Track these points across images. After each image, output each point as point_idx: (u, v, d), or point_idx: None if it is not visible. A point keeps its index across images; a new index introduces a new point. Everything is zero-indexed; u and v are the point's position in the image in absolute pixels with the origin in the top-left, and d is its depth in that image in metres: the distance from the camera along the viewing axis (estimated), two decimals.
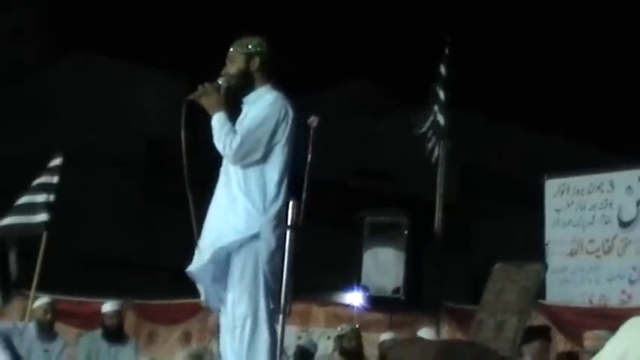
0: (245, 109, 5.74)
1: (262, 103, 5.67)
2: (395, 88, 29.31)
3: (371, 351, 11.31)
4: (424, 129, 12.19)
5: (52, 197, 11.83)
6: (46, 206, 11.77)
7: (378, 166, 27.33)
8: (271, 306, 5.46)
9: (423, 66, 14.24)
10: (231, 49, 5.90)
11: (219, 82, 5.80)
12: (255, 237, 5.43)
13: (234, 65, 5.85)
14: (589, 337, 8.73)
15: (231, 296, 5.42)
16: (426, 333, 10.26)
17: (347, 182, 24.61)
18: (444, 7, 29.28)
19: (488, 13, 30.49)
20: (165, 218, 23.62)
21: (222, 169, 5.69)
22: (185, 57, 27.01)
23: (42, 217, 11.73)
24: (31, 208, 11.83)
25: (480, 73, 26.88)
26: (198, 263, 5.47)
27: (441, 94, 12.31)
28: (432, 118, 12.15)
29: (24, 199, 11.92)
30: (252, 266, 5.41)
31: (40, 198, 11.84)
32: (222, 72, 5.87)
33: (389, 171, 26.98)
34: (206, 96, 5.72)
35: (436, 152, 12.19)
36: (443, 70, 12.36)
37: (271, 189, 5.52)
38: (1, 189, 12.24)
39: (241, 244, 5.42)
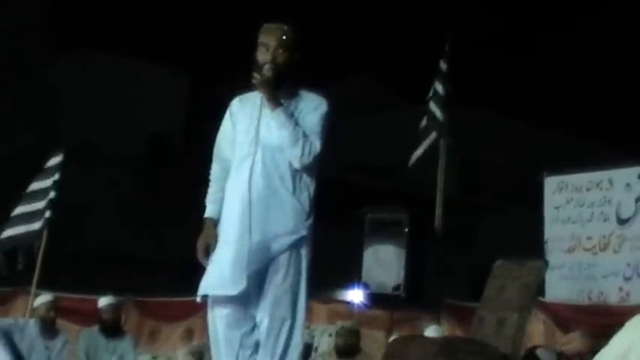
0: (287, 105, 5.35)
1: (318, 109, 5.41)
2: (395, 85, 29.36)
3: (372, 347, 11.34)
4: (422, 151, 12.24)
5: (53, 194, 11.83)
6: (48, 204, 11.76)
7: (379, 163, 27.34)
8: (306, 309, 5.39)
9: (423, 62, 14.27)
10: (284, 37, 5.37)
11: (270, 68, 5.27)
12: (302, 239, 5.31)
13: (283, 56, 5.35)
14: (564, 342, 8.79)
15: (270, 297, 5.26)
16: (432, 331, 10.27)
17: (348, 179, 24.61)
18: (445, 4, 29.29)
19: (489, 9, 30.50)
20: (167, 215, 23.67)
21: (252, 159, 5.32)
22: (186, 54, 27.04)
23: (44, 215, 11.72)
24: (32, 215, 11.79)
25: (481, 69, 26.91)
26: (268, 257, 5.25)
27: (441, 90, 12.35)
28: (430, 139, 12.20)
29: (23, 208, 11.87)
30: (297, 269, 5.29)
31: (41, 203, 11.81)
32: (269, 58, 5.31)
33: (390, 167, 26.99)
34: (271, 83, 5.27)
35: (415, 157, 12.25)
36: (443, 66, 12.39)
37: (312, 191, 5.37)
38: (2, 185, 12.24)
39: (289, 246, 5.29)
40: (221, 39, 28.30)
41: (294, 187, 5.32)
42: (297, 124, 5.28)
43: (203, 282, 5.38)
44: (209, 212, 5.46)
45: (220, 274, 5.29)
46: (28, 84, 24.59)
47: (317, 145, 5.29)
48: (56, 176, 11.91)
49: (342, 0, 31.32)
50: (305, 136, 5.27)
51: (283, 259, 5.27)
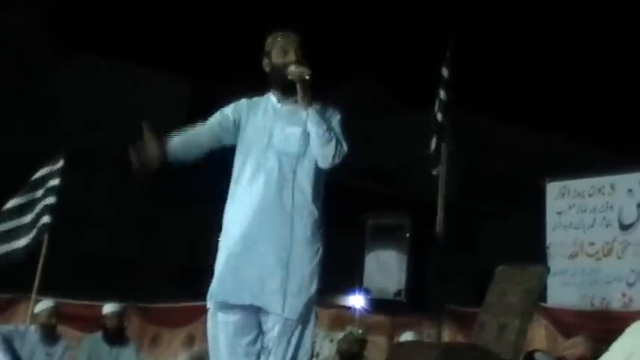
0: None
1: (334, 115, 5.43)
2: (397, 90, 29.36)
3: (373, 353, 11.33)
4: (437, 171, 12.18)
5: (53, 200, 11.77)
6: (48, 209, 11.71)
7: (381, 168, 27.34)
8: (316, 315, 5.39)
9: (425, 67, 14.26)
10: (300, 42, 5.43)
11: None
12: (320, 248, 5.32)
13: (301, 59, 5.40)
14: (567, 347, 8.80)
15: (292, 304, 5.23)
16: (409, 337, 10.31)
17: (349, 184, 24.57)
18: (447, 9, 29.31)
19: (491, 15, 30.52)
20: (169, 220, 23.66)
21: (268, 167, 5.30)
22: (188, 59, 27.06)
23: (43, 220, 11.66)
24: (30, 226, 11.72)
25: (483, 74, 26.91)
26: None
27: (444, 96, 12.32)
28: (445, 157, 12.12)
29: (22, 220, 11.80)
30: (317, 277, 5.30)
31: (41, 206, 11.74)
32: (294, 59, 5.32)
33: (391, 172, 27.00)
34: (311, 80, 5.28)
35: (438, 169, 12.17)
36: (445, 71, 12.37)
37: (323, 196, 5.39)
38: (5, 189, 12.21)
39: (309, 255, 5.28)
40: (222, 44, 28.32)
41: (312, 195, 5.31)
42: (330, 124, 5.31)
43: (221, 286, 5.29)
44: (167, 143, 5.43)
45: (252, 284, 5.23)
46: (30, 89, 24.62)
47: (345, 146, 5.31)
48: (56, 181, 11.84)
49: (342, 5, 31.31)
50: (337, 137, 5.30)
51: (305, 268, 5.26)
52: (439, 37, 13.07)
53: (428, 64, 13.63)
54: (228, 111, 5.51)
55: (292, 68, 5.28)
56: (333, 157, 5.27)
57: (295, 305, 5.23)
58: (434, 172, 12.13)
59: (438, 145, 12.08)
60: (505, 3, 30.55)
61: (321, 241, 5.33)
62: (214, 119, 5.53)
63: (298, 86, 5.29)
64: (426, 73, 13.45)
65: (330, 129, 5.29)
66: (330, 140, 5.27)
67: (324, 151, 5.28)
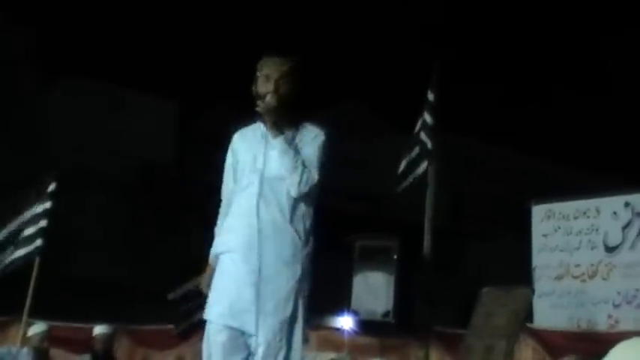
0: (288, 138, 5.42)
1: (316, 140, 5.48)
2: (385, 112, 29.44)
3: None
4: (404, 187, 12.28)
5: (44, 223, 11.79)
6: (40, 232, 11.73)
7: (368, 190, 27.37)
8: (304, 339, 5.39)
9: (413, 90, 14.34)
10: (285, 69, 5.45)
11: (273, 97, 5.35)
12: (299, 269, 5.33)
13: (284, 86, 5.43)
14: None
15: (267, 325, 5.27)
16: None
17: (336, 206, 24.57)
18: (434, 32, 29.46)
19: (477, 38, 30.68)
20: (158, 242, 23.65)
21: (252, 189, 5.39)
22: (174, 81, 27.08)
23: (36, 243, 11.69)
24: (24, 240, 11.75)
25: (469, 97, 27.04)
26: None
27: (429, 118, 12.39)
28: (422, 168, 12.21)
29: (16, 233, 11.82)
30: (295, 298, 5.32)
31: (33, 228, 11.77)
32: (271, 88, 5.37)
33: (378, 194, 27.03)
34: (275, 112, 5.34)
35: (404, 185, 12.26)
36: (431, 95, 12.44)
37: (308, 220, 5.42)
38: None
39: (287, 276, 5.31)
40: (208, 66, 28.38)
41: (292, 218, 5.35)
42: (297, 152, 5.35)
43: (212, 308, 5.37)
44: (213, 254, 5.52)
45: (230, 304, 5.30)
46: (17, 114, 24.60)
47: (315, 175, 5.35)
48: (47, 205, 11.87)
49: (330, 28, 31.44)
50: (304, 165, 5.33)
51: (281, 288, 5.29)
52: (426, 60, 13.16)
53: (415, 87, 13.70)
54: (229, 161, 5.58)
55: (268, 99, 5.36)
56: (299, 185, 5.31)
57: (269, 325, 5.26)
58: (398, 190, 12.23)
59: (408, 165, 12.20)
60: (490, 26, 30.73)
61: (301, 262, 5.35)
62: (228, 178, 5.58)
63: (265, 117, 5.39)
64: (414, 96, 13.52)
65: (296, 157, 5.33)
66: (296, 169, 5.31)
67: (290, 179, 5.33)
